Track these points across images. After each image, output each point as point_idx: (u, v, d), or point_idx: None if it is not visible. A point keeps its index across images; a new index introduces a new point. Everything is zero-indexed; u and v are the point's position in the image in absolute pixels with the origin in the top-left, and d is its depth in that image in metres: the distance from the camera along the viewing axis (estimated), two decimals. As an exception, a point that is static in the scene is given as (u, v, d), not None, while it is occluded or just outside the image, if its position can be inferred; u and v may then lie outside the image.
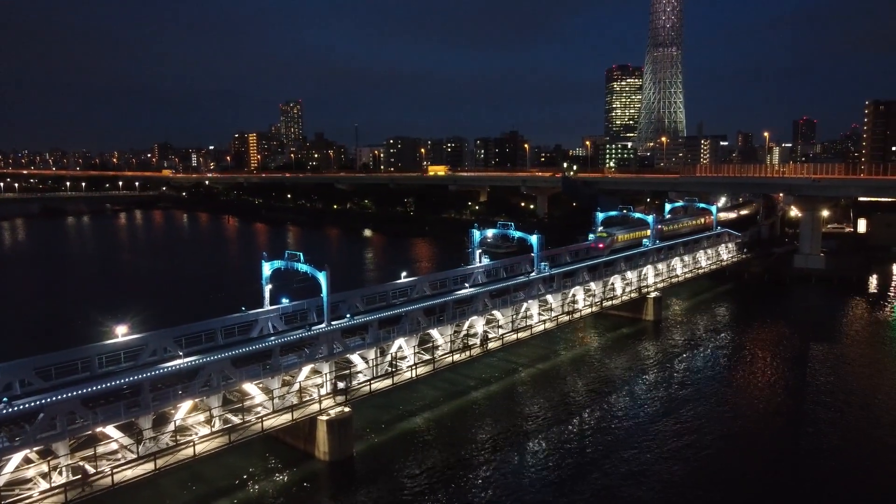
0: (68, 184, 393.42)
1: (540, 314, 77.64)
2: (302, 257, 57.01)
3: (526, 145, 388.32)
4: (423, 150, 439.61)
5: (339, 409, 52.37)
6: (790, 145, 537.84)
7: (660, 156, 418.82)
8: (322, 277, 54.82)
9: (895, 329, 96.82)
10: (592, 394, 68.63)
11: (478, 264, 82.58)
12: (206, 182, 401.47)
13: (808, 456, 55.25)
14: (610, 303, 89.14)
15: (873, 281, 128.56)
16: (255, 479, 49.56)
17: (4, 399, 38.45)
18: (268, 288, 60.68)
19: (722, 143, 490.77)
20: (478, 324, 69.18)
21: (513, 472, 51.50)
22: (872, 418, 62.54)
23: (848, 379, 73.53)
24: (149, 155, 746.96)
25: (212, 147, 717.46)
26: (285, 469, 51.42)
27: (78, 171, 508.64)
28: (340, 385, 53.86)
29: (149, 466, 41.72)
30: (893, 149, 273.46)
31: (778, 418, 63.44)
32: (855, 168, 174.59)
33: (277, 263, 59.40)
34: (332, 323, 55.56)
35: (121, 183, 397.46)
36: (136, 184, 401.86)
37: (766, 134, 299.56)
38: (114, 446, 42.84)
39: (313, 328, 54.72)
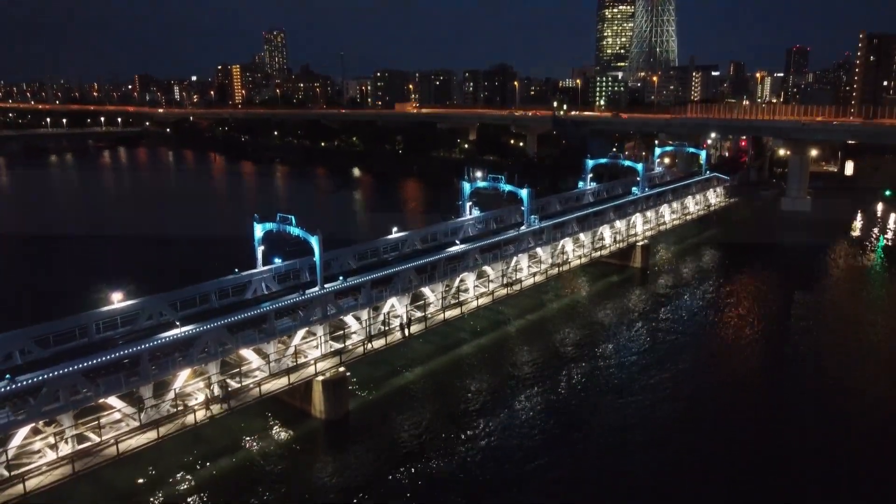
0: (49, 119, 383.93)
1: (530, 266, 78.60)
2: (294, 220, 57.14)
3: (516, 82, 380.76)
4: (410, 85, 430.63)
5: (334, 369, 53.74)
6: (782, 75, 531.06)
7: (650, 88, 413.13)
8: (314, 241, 55.13)
9: (877, 273, 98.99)
10: (581, 344, 70.45)
11: (468, 216, 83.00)
12: (191, 118, 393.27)
13: (791, 401, 57.80)
14: (598, 253, 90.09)
15: (858, 224, 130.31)
16: (254, 437, 51.32)
17: (8, 376, 39.17)
18: (260, 249, 61.21)
19: (713, 73, 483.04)
20: (469, 279, 70.15)
21: (504, 426, 53.39)
22: (852, 363, 65.52)
23: (830, 324, 76.06)
24: (129, 87, 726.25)
25: (195, 78, 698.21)
26: (283, 428, 53.15)
27: (58, 105, 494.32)
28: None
29: (152, 435, 43.00)
30: (885, 83, 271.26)
31: (762, 364, 66.21)
32: (845, 108, 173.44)
33: (269, 226, 59.64)
34: (326, 286, 56.25)
35: (103, 118, 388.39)
36: (119, 119, 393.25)
37: (758, 75, 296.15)
38: (117, 416, 44.06)
39: (307, 292, 55.37)
